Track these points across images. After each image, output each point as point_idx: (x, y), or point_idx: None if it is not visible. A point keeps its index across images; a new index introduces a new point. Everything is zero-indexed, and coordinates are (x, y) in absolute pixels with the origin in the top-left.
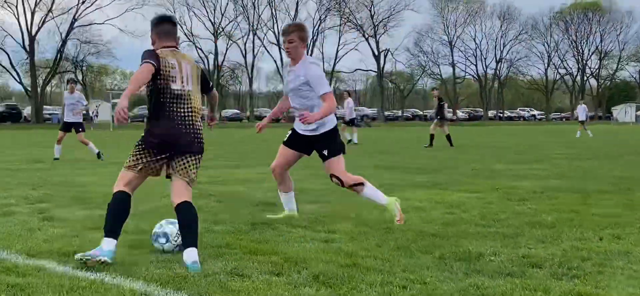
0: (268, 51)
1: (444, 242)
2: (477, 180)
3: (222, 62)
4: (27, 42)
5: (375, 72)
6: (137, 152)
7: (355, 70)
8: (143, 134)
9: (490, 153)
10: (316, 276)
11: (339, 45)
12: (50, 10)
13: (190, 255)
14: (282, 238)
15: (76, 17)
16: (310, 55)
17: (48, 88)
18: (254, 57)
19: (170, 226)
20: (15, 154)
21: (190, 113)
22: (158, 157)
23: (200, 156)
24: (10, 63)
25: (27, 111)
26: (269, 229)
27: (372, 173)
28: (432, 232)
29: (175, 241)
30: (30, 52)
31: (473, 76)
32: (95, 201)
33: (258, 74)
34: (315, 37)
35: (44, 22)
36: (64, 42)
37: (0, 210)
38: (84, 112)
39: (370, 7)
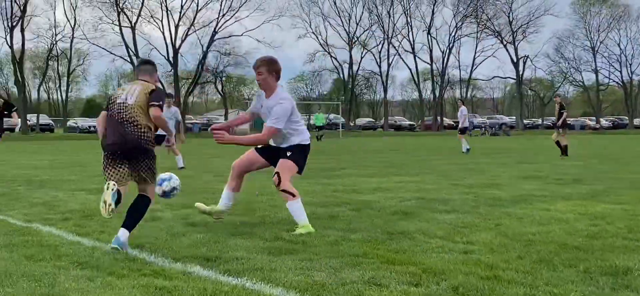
0: (403, 59)
1: (589, 256)
2: (622, 191)
3: (357, 71)
4: (171, 55)
5: (513, 79)
6: None
7: (492, 78)
8: None
9: (637, 163)
10: (455, 288)
11: (476, 53)
12: (192, 24)
13: (123, 233)
14: (419, 248)
15: (216, 29)
16: (446, 62)
17: (190, 99)
18: (389, 65)
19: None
20: (161, 163)
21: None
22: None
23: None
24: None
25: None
26: (406, 239)
27: (508, 182)
28: (576, 245)
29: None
30: (174, 65)
31: (617, 83)
32: (237, 207)
33: (393, 82)
34: (451, 45)
35: (186, 36)
36: (205, 54)
37: (147, 215)
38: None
39: (509, 13)
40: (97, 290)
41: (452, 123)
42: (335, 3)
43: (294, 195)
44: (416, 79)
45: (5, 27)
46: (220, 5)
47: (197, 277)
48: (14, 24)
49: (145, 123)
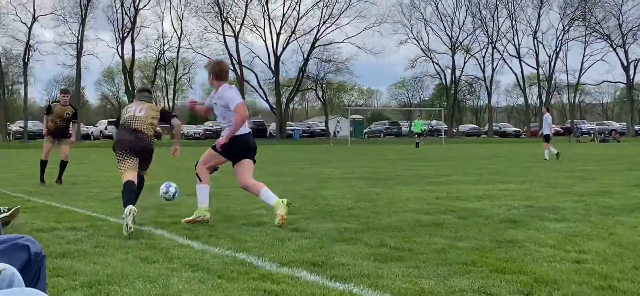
0: (508, 64)
1: None
2: None
3: (460, 77)
4: (272, 63)
5: (624, 83)
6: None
7: (602, 82)
8: None
9: None
10: None
11: (584, 56)
12: (293, 32)
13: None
14: (530, 257)
15: (317, 37)
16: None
17: (290, 106)
18: (493, 70)
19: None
20: (263, 168)
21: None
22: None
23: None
24: (258, 82)
25: (271, 127)
26: (515, 247)
27: (619, 190)
28: None
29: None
30: (276, 72)
31: None
32: (340, 214)
33: (497, 87)
34: (558, 49)
35: (288, 44)
36: (306, 61)
37: (253, 221)
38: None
39: (618, 16)
40: (209, 292)
41: (560, 129)
42: (437, 8)
43: (200, 180)
44: (521, 84)
45: (116, 39)
46: (321, 13)
47: (304, 282)
48: (125, 35)
49: (150, 133)
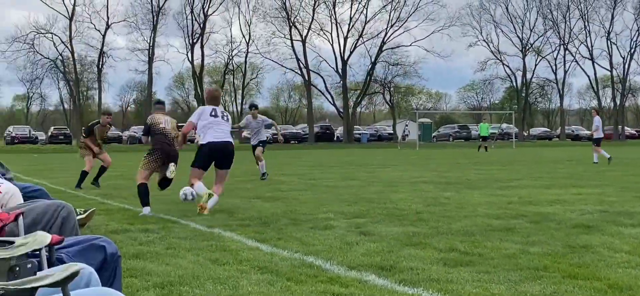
0: (580, 66)
1: None
2: None
3: (531, 79)
4: (340, 67)
5: None
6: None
7: None
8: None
9: None
10: None
11: None
12: (361, 36)
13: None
14: (603, 263)
15: (385, 40)
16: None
17: (358, 109)
18: (565, 72)
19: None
20: (331, 172)
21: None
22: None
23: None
24: (325, 86)
25: (339, 131)
26: (589, 253)
27: None
28: None
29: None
30: (343, 76)
31: None
32: (409, 218)
33: (569, 89)
34: (633, 50)
35: (355, 47)
36: (373, 64)
37: (321, 224)
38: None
39: None
40: (277, 294)
41: (635, 132)
42: (507, 9)
43: (191, 184)
44: (595, 86)
45: (186, 44)
46: (389, 16)
47: (372, 285)
48: (195, 40)
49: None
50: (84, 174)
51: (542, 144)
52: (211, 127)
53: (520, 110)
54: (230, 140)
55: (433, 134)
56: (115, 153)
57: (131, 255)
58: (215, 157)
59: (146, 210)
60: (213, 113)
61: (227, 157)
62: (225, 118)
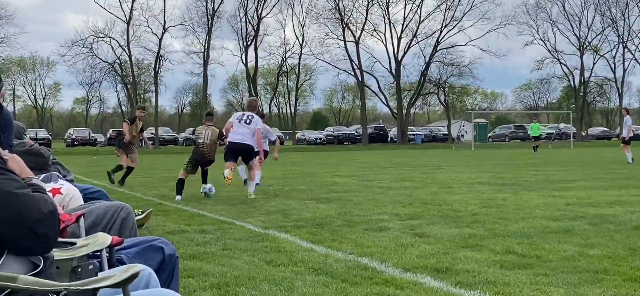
0: None
1: None
2: None
3: (589, 78)
4: (393, 67)
5: None
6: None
7: None
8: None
9: None
10: None
11: None
12: (414, 36)
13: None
14: None
15: (439, 40)
16: None
17: (412, 110)
18: (624, 71)
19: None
20: (385, 173)
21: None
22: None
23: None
24: (379, 87)
25: (392, 132)
26: None
27: None
28: None
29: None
30: (397, 76)
31: None
32: (464, 220)
33: (629, 88)
34: None
35: (409, 47)
36: (428, 65)
37: (375, 226)
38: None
39: None
40: (332, 295)
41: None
42: (564, 7)
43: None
44: None
45: (240, 47)
46: (443, 16)
47: (428, 288)
48: (248, 43)
49: (212, 150)
50: (119, 167)
51: (601, 144)
52: (234, 129)
53: (578, 109)
54: (247, 142)
55: (488, 134)
56: (172, 155)
57: (188, 256)
58: (235, 153)
59: (178, 198)
60: (239, 118)
61: (244, 154)
62: (247, 122)
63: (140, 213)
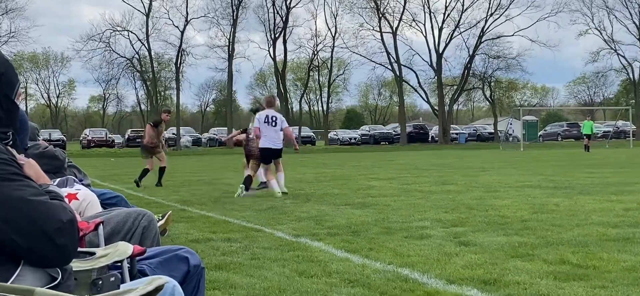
0: None
1: None
2: None
3: None
4: (434, 60)
5: None
6: None
7: None
8: None
9: None
10: None
11: None
12: (457, 26)
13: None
14: None
15: (484, 30)
16: None
17: (454, 107)
18: None
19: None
20: (426, 175)
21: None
22: None
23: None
24: (418, 82)
25: (434, 130)
26: None
27: None
28: None
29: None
30: (438, 70)
31: None
32: (513, 226)
33: None
34: None
35: (451, 39)
36: (472, 57)
37: (416, 233)
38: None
39: None
40: None
41: None
42: None
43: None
44: None
45: (268, 39)
46: (489, 4)
47: None
48: (277, 35)
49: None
50: (145, 171)
51: None
52: (264, 133)
53: (638, 105)
54: (281, 146)
55: (539, 133)
56: (193, 156)
57: (214, 266)
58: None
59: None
60: (265, 121)
61: (277, 155)
62: (273, 124)
63: (160, 217)
